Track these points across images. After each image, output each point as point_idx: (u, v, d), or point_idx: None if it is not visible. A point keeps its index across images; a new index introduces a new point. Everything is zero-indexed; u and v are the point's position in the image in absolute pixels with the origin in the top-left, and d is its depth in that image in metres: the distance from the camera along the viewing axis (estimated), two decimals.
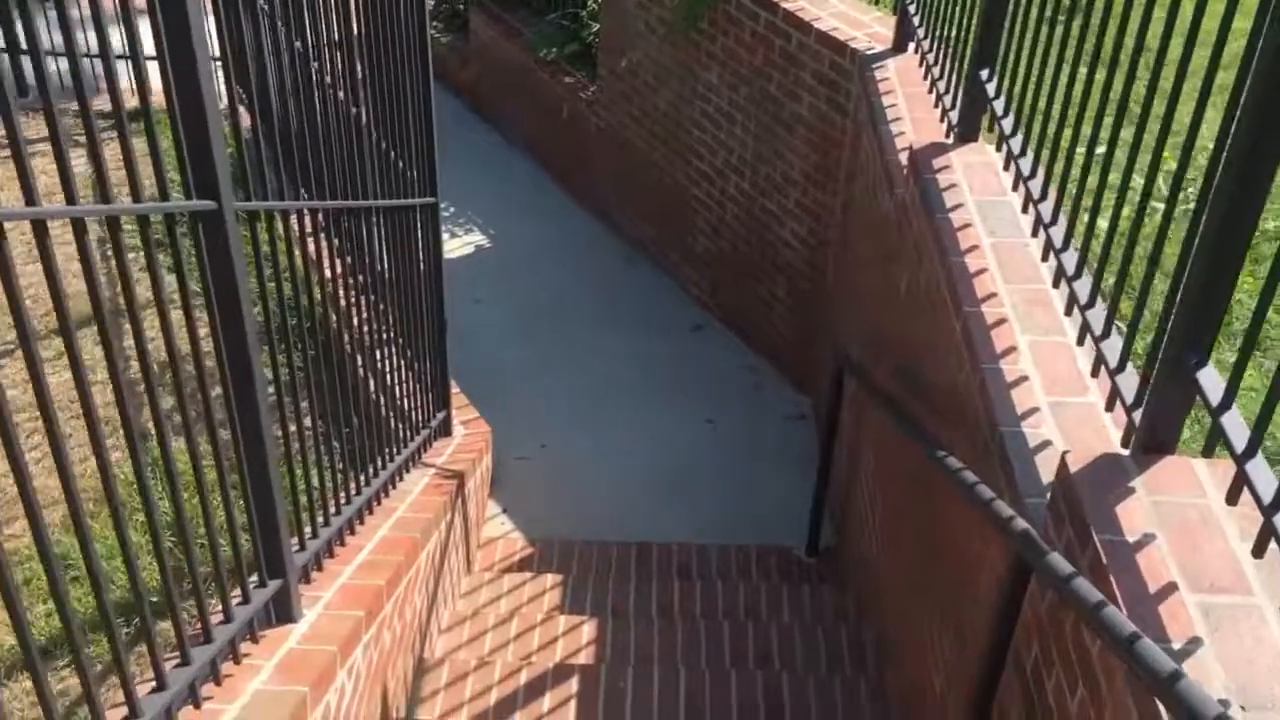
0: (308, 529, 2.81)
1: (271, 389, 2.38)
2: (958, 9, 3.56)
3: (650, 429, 5.20)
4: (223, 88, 2.82)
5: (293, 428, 2.59)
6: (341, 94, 3.43)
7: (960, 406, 2.76)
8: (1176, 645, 1.67)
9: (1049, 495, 2.19)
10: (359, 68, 3.58)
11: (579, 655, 3.67)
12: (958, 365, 2.79)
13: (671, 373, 5.56)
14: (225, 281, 2.11)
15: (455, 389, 4.92)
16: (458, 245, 6.44)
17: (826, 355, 5.02)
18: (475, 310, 5.92)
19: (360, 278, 3.59)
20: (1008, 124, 3.08)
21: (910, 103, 4.10)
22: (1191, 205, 2.06)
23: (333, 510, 3.04)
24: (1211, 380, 1.85)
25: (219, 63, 3.19)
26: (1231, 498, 1.78)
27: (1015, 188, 3.04)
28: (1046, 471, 2.30)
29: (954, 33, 3.60)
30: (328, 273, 3.24)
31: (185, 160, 1.97)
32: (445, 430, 4.60)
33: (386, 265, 3.89)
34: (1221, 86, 1.83)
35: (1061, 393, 2.50)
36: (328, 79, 3.25)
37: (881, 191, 3.92)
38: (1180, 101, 2.02)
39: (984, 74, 3.29)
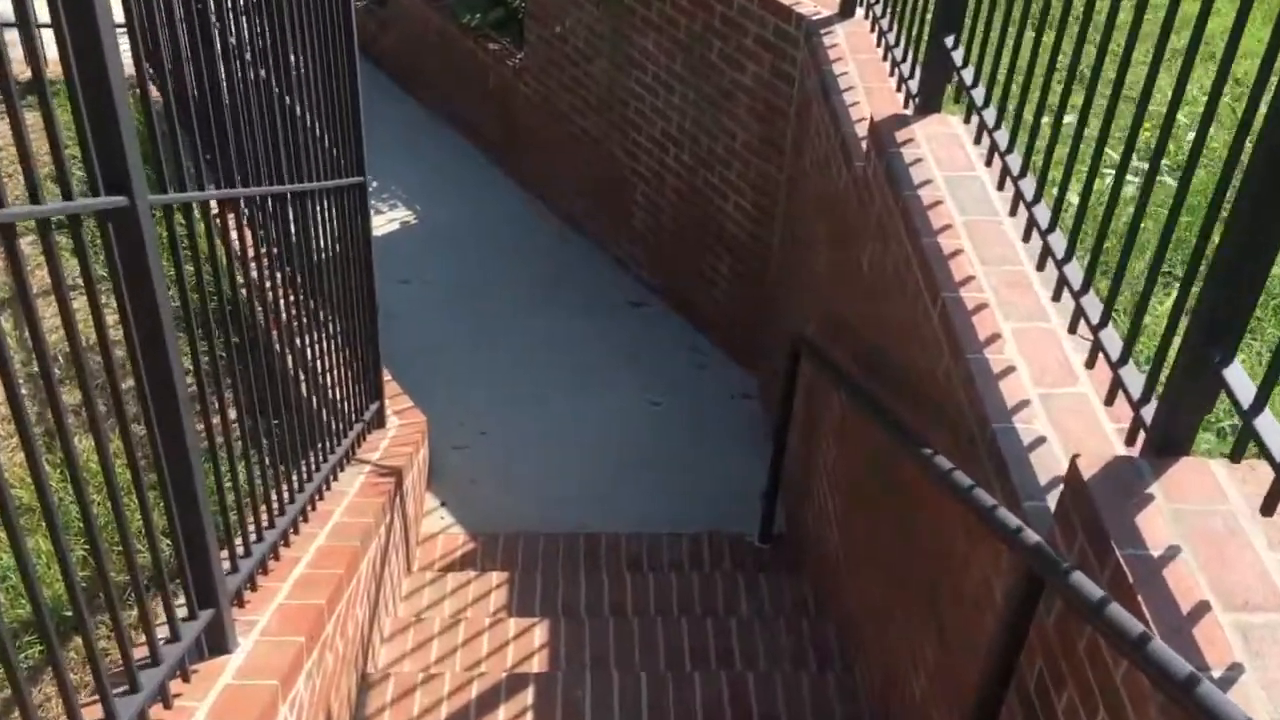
0: (239, 544, 2.58)
1: (192, 380, 2.13)
2: None
3: (593, 412, 5.00)
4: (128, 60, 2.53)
5: (218, 423, 2.35)
6: (259, 67, 3.15)
7: (939, 397, 2.61)
8: (1217, 673, 1.54)
9: (1054, 501, 2.05)
10: (274, 35, 3.30)
11: (531, 661, 3.48)
12: (935, 353, 2.63)
13: (613, 353, 5.36)
14: (138, 277, 1.87)
15: (387, 377, 4.67)
16: (381, 223, 6.15)
17: (774, 333, 4.86)
18: (403, 292, 5.65)
19: (286, 264, 3.32)
20: (978, 95, 2.93)
21: (863, 71, 3.93)
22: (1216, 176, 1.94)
23: (265, 521, 2.79)
24: (1240, 379, 1.70)
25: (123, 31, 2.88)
26: (1268, 508, 1.65)
27: (989, 163, 2.88)
28: (1043, 471, 2.16)
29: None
30: (251, 259, 2.98)
31: (91, 151, 1.71)
32: (379, 422, 4.36)
33: (313, 250, 3.63)
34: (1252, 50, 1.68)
35: (1051, 384, 2.36)
36: (243, 49, 2.97)
37: (836, 165, 3.75)
38: (1199, 60, 1.86)
39: (949, 40, 3.12)
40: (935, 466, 2.30)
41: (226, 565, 2.48)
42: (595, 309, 5.65)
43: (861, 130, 3.61)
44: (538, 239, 6.14)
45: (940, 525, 2.60)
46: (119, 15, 1.78)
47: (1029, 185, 2.58)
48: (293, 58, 3.31)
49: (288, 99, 3.30)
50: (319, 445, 3.39)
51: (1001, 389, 2.34)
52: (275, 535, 2.81)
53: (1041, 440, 2.22)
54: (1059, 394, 2.34)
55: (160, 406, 1.99)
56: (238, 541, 2.55)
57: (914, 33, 3.43)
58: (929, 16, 3.26)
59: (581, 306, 5.65)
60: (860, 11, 4.25)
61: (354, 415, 4.02)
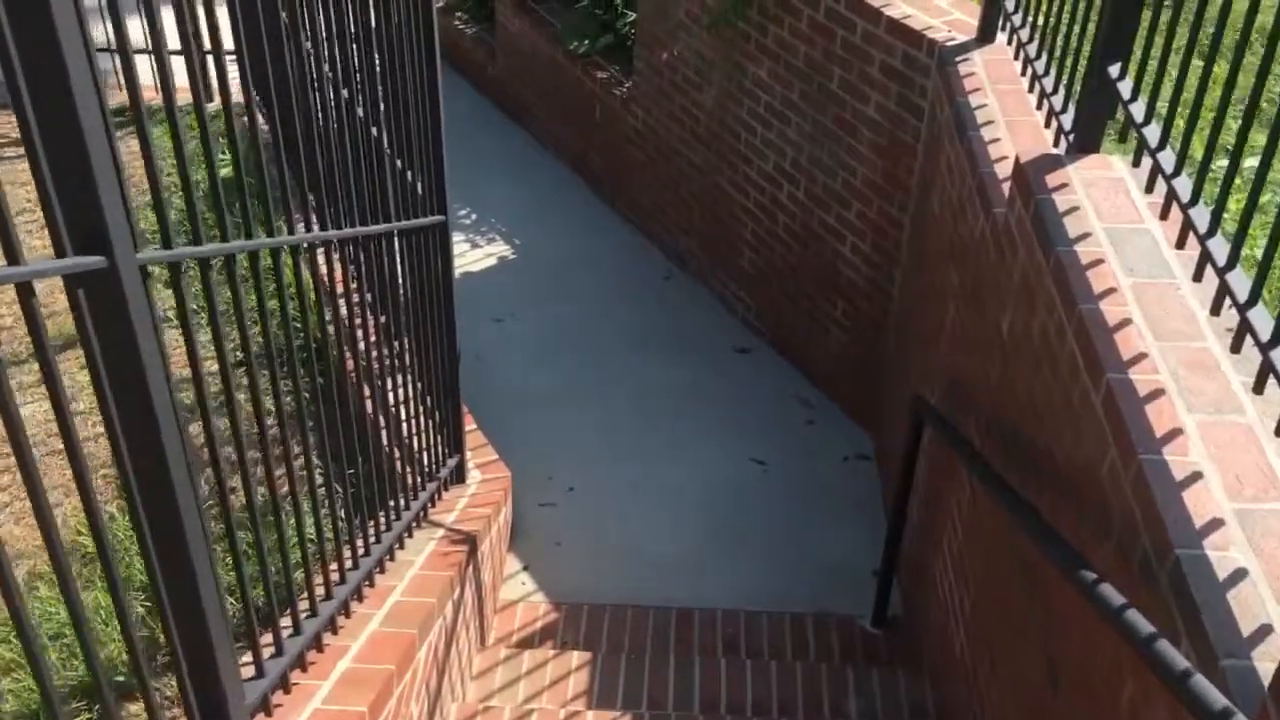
0: (267, 642, 2.25)
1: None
2: None
3: (692, 470, 4.60)
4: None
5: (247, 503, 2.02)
6: (343, 97, 2.86)
7: (1101, 502, 2.14)
8: None
9: (1262, 659, 1.58)
10: (355, 63, 3.01)
11: None
12: (1097, 447, 2.17)
13: (715, 403, 4.95)
14: (122, 350, 1.54)
15: (471, 426, 4.35)
16: (478, 257, 5.86)
17: (893, 388, 4.40)
18: (495, 331, 5.35)
19: (359, 308, 3.02)
20: (1152, 134, 2.46)
21: (1004, 103, 3.47)
22: None
23: (305, 609, 2.47)
24: None
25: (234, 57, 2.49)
26: None
27: (1165, 215, 2.41)
28: (1246, 617, 1.69)
29: (1066, 17, 2.97)
30: (328, 299, 2.67)
31: (53, 203, 1.39)
32: (458, 477, 4.04)
33: (387, 293, 3.33)
34: None
35: (1252, 497, 1.88)
36: (328, 76, 2.67)
37: (971, 209, 3.30)
38: None
39: (1113, 69, 2.66)
40: (1101, 599, 1.84)
41: (249, 670, 2.15)
42: (699, 354, 5.25)
43: (1003, 171, 3.15)
44: (641, 276, 5.78)
45: (1097, 656, 2.13)
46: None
47: (1220, 247, 2.11)
48: (372, 90, 3.01)
49: (370, 133, 3.00)
50: (383, 513, 3.06)
51: (1187, 502, 1.87)
52: (318, 624, 2.48)
53: (1242, 574, 1.75)
54: (1263, 511, 1.86)
55: (152, 500, 1.67)
56: (265, 639, 2.22)
57: (1069, 60, 2.97)
58: (1088, 40, 2.81)
59: (684, 351, 5.26)
60: (1001, 36, 3.80)
61: (429, 473, 3.70)
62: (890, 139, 4.21)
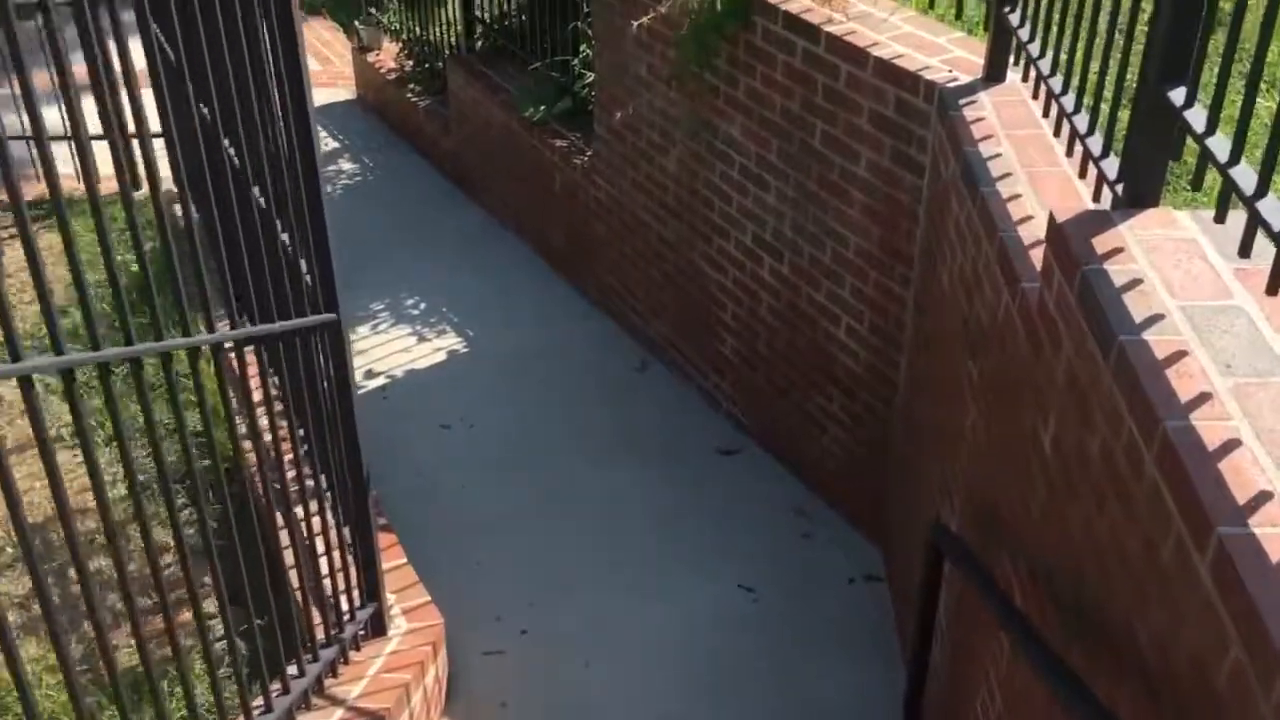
0: None
1: None
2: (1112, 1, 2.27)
3: (669, 604, 3.86)
4: None
5: None
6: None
7: (1219, 707, 1.41)
8: None
9: None
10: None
11: None
12: (1206, 633, 1.45)
13: (697, 519, 4.22)
14: None
15: (398, 561, 3.63)
16: (425, 353, 5.18)
17: (904, 494, 3.68)
18: (441, 440, 4.64)
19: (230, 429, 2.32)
20: (1245, 178, 1.77)
21: (1022, 151, 2.80)
22: None
23: None
24: None
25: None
26: None
27: (1274, 288, 1.72)
28: None
29: (1101, 39, 2.31)
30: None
31: None
32: (376, 629, 3.31)
33: (269, 410, 2.64)
34: None
35: None
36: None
37: (991, 282, 2.61)
38: None
39: (1175, 95, 1.98)
40: None
41: None
42: (677, 458, 4.53)
43: (1030, 234, 2.47)
44: (610, 368, 5.09)
45: None
46: None
47: None
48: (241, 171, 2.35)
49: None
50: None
51: None
52: None
53: None
54: None
55: None
56: None
57: (1110, 91, 2.30)
58: (1133, 65, 2.15)
59: (660, 455, 4.55)
60: (1013, 75, 3.14)
61: (330, 631, 2.98)
62: (885, 201, 3.55)
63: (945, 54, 3.40)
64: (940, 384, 3.16)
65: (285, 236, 2.83)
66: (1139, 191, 2.11)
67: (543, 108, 5.52)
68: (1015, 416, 2.38)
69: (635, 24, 4.17)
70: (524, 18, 5.89)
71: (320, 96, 7.93)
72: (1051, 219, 2.14)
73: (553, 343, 5.26)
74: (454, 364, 5.14)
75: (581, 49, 5.26)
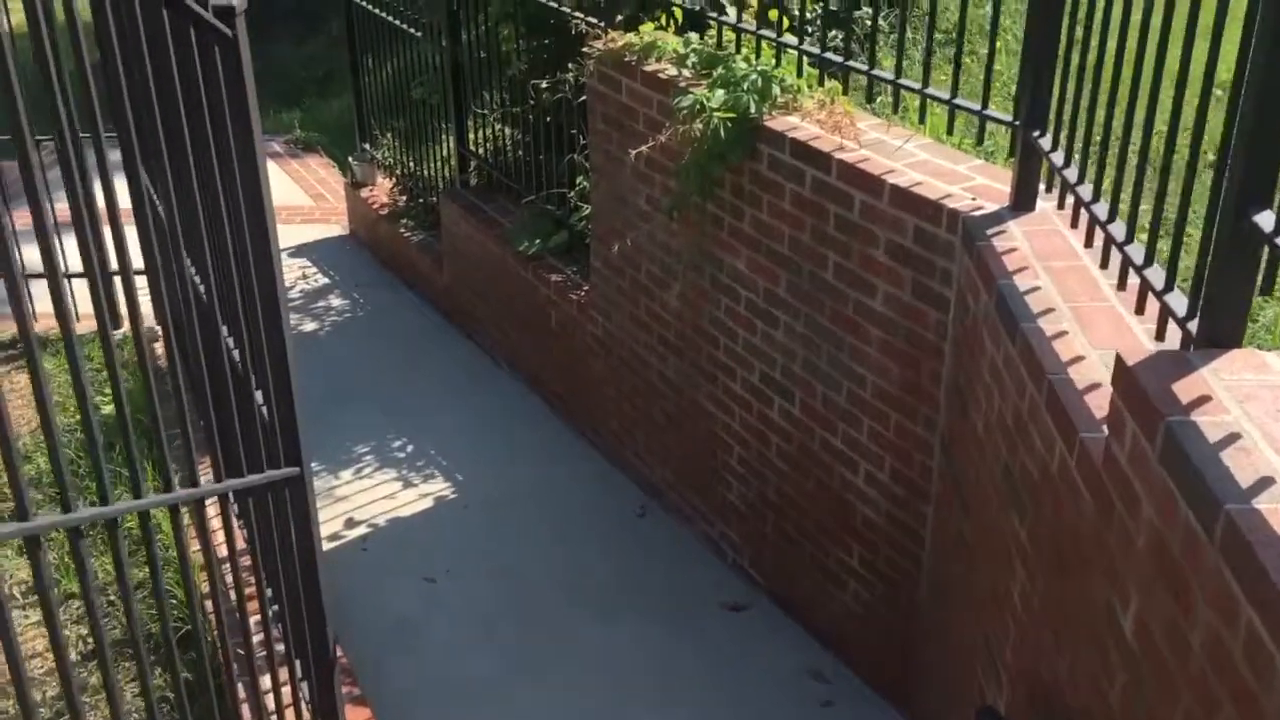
0: None
1: None
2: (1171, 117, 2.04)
3: None
4: None
5: None
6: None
7: None
8: None
9: None
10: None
11: None
12: None
13: (703, 684, 3.84)
14: None
15: None
16: (410, 499, 4.84)
17: (938, 657, 3.31)
18: (425, 595, 4.28)
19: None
20: None
21: (1063, 284, 2.54)
22: None
23: None
24: None
25: None
26: None
27: None
28: None
29: (1160, 162, 2.07)
30: None
31: None
32: None
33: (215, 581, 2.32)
34: None
35: None
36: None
37: (1040, 432, 2.31)
38: None
39: (1264, 219, 1.72)
40: None
41: None
42: (681, 613, 4.17)
43: (1082, 376, 2.19)
44: (609, 515, 4.75)
45: None
46: None
47: None
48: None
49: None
50: None
51: None
52: None
53: None
54: None
55: None
56: None
57: (1175, 215, 2.05)
58: (1201, 185, 1.90)
59: (662, 610, 4.18)
60: (1043, 204, 2.91)
61: None
62: (906, 338, 3.28)
63: (967, 181, 3.18)
64: (977, 541, 2.84)
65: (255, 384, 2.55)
66: (1219, 330, 1.84)
67: (537, 241, 5.32)
68: (1080, 587, 2.05)
69: (634, 153, 3.97)
70: (519, 152, 5.74)
71: (312, 233, 7.78)
72: (1120, 362, 1.85)
73: (547, 486, 4.93)
74: (441, 510, 4.80)
75: (578, 181, 5.08)
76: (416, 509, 4.80)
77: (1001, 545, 2.58)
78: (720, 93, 3.69)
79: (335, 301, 6.75)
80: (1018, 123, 2.92)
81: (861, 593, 3.75)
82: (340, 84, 9.79)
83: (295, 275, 7.09)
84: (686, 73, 4.01)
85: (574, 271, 5.20)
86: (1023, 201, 2.93)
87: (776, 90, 3.67)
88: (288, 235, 7.70)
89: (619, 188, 4.50)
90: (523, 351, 5.72)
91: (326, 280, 7.05)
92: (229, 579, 3.03)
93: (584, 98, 4.69)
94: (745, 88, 3.66)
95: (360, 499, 4.85)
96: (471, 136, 6.17)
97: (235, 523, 3.32)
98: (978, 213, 2.96)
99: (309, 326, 6.45)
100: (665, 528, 4.66)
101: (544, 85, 4.83)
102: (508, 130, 5.81)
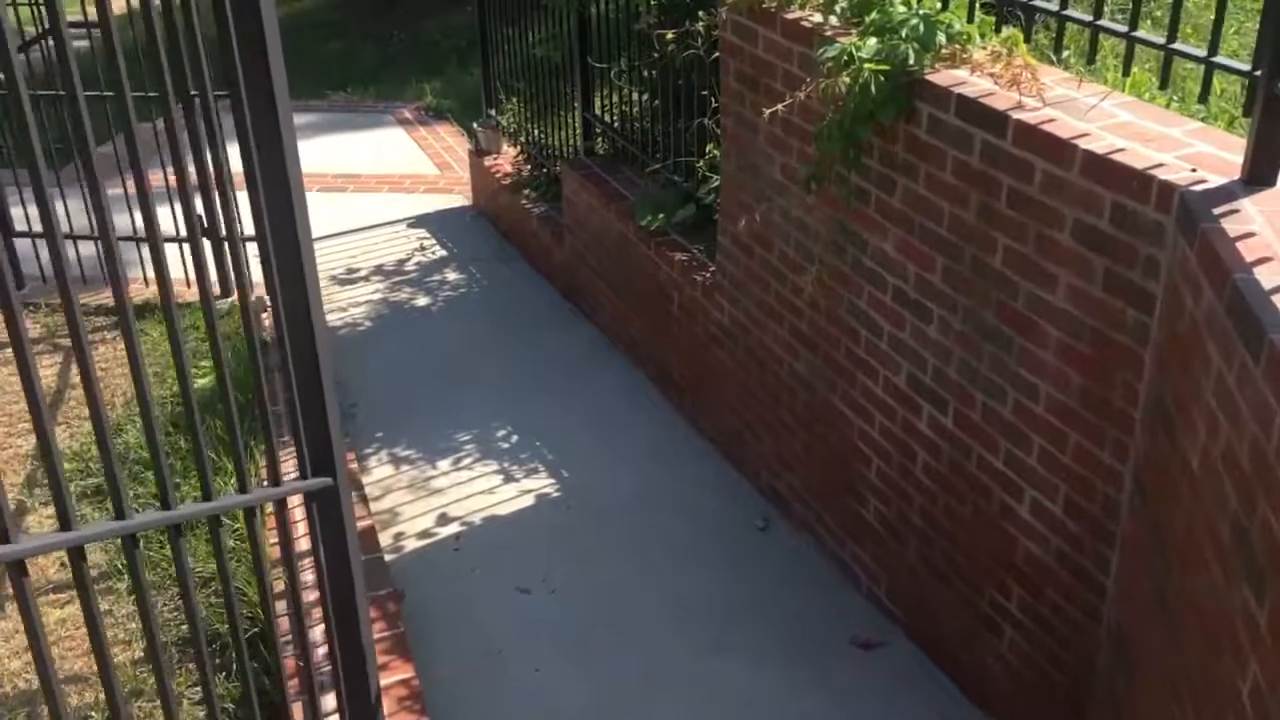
0: None
1: None
2: None
3: None
4: None
5: None
6: None
7: None
8: None
9: None
10: None
11: None
12: None
13: None
14: None
15: None
16: (509, 495, 4.41)
17: None
18: (520, 606, 3.83)
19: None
20: None
21: None
22: None
23: None
24: None
25: None
26: None
27: None
28: None
29: None
30: None
31: None
32: None
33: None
34: None
35: None
36: None
37: None
38: None
39: None
40: None
41: None
42: (803, 647, 3.62)
43: None
44: (726, 524, 4.22)
45: None
46: None
47: None
48: None
49: None
50: None
51: None
52: None
53: None
54: None
55: None
56: None
57: None
58: None
59: (782, 642, 3.64)
60: None
61: None
62: (1093, 341, 2.65)
63: (1183, 148, 2.53)
64: (1186, 610, 2.21)
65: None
66: None
67: (661, 215, 4.80)
68: None
69: (767, 113, 3.40)
70: (646, 117, 5.22)
71: (435, 203, 7.44)
72: None
73: (660, 489, 4.43)
74: (542, 511, 4.35)
75: (708, 149, 4.54)
76: (516, 507, 4.35)
77: (1225, 624, 1.96)
78: (872, 41, 3.10)
79: (450, 275, 6.37)
80: (1258, 73, 2.26)
81: (1020, 643, 3.14)
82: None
83: (412, 246, 6.75)
84: (834, 20, 3.43)
85: (700, 250, 4.67)
86: (1261, 174, 2.28)
87: (941, 38, 3.06)
88: (409, 205, 7.39)
89: (752, 156, 3.94)
90: (641, 336, 5.22)
91: (444, 253, 6.68)
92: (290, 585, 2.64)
93: (717, 54, 4.14)
94: (903, 35, 3.06)
95: (456, 492, 4.44)
96: (598, 102, 5.68)
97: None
98: (1199, 187, 2.32)
99: (421, 301, 6.08)
100: (789, 545, 4.10)
101: (670, 36, 4.29)
102: (635, 93, 5.29)
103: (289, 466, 4.33)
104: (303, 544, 3.18)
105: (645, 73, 5.04)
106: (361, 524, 4.00)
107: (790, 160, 3.70)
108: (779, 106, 3.37)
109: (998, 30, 3.11)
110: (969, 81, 2.97)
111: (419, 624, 3.64)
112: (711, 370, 4.57)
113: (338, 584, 2.13)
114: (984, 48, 3.11)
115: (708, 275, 4.51)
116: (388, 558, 4.02)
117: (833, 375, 3.74)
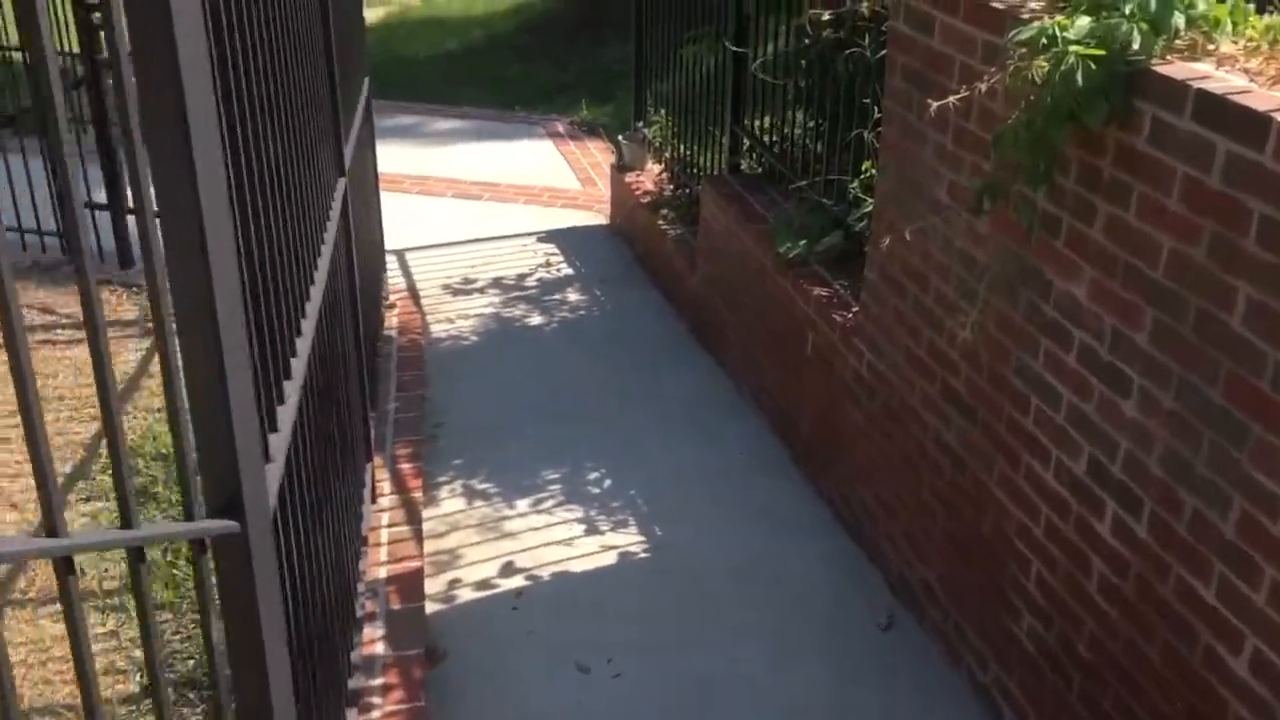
0: None
1: None
2: None
3: None
4: None
5: None
6: None
7: None
8: None
9: None
10: None
11: None
12: None
13: None
14: None
15: None
16: (591, 549, 3.76)
17: None
18: (575, 687, 3.17)
19: None
20: None
21: None
22: None
23: None
24: None
25: None
26: None
27: None
28: None
29: None
30: None
31: None
32: None
33: None
34: None
35: None
36: None
37: None
38: None
39: None
40: None
41: None
42: None
43: None
44: (841, 615, 3.48)
45: None
46: None
47: None
48: None
49: None
50: None
51: None
52: None
53: None
54: None
55: None
56: None
57: None
58: None
59: None
60: None
61: None
62: None
63: None
64: None
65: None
66: None
67: (803, 242, 4.11)
68: None
69: (936, 105, 2.68)
70: (796, 128, 4.54)
71: (570, 218, 6.93)
72: None
73: (769, 563, 3.71)
74: (625, 573, 3.68)
75: (865, 167, 3.83)
76: (594, 564, 3.70)
77: None
78: (1084, 20, 2.36)
79: (572, 296, 5.80)
80: None
81: None
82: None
83: (537, 262, 6.22)
84: (1034, 3, 2.70)
85: (844, 286, 3.96)
86: None
87: (1179, 20, 2.31)
88: (543, 218, 6.90)
89: (914, 171, 3.23)
90: (769, 380, 4.52)
91: (569, 271, 6.12)
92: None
93: (884, 52, 3.45)
94: (1128, 11, 2.32)
95: (529, 538, 3.82)
96: (751, 117, 5.04)
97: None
98: None
99: (534, 320, 5.53)
100: (917, 652, 3.32)
101: (827, 17, 3.61)
102: (787, 97, 4.61)
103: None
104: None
105: (801, 82, 4.36)
106: (410, 565, 3.42)
107: (960, 178, 2.97)
108: (951, 99, 2.64)
109: (1261, 11, 2.33)
110: (1213, 76, 2.21)
111: (448, 693, 3.03)
112: (844, 428, 3.84)
113: (243, 649, 1.51)
114: (1235, 41, 2.35)
115: (849, 315, 3.79)
116: (435, 608, 3.43)
117: (990, 450, 2.97)
